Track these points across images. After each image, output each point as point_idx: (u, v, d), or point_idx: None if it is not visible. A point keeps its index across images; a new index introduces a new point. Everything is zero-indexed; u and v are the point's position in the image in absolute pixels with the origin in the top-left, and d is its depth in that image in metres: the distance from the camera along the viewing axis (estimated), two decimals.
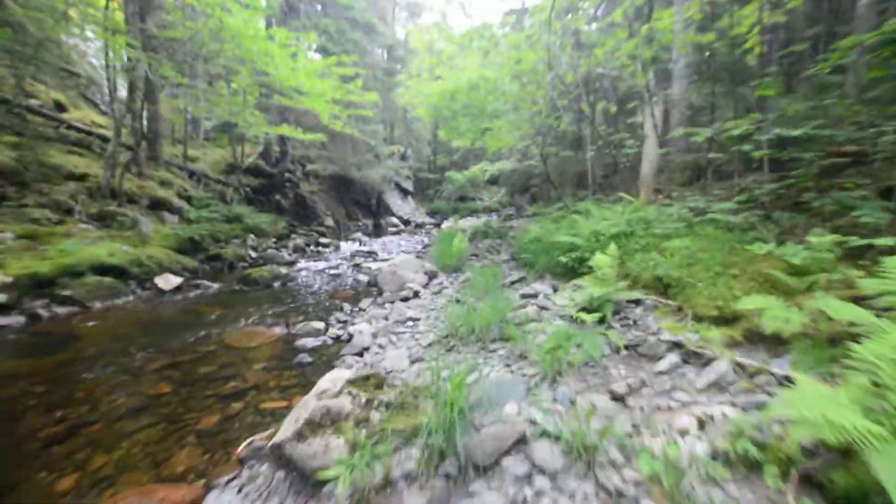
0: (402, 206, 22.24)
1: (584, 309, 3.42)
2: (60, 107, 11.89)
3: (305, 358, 3.68)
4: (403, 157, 23.16)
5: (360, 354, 3.63)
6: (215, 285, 6.97)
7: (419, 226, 19.06)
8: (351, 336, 4.16)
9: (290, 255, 10.15)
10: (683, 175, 8.42)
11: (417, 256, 9.57)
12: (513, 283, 5.44)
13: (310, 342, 4.15)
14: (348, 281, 7.39)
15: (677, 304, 3.30)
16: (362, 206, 20.27)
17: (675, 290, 3.47)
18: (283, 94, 8.63)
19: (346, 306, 5.52)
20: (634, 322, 3.35)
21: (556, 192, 10.16)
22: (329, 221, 17.55)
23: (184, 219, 9.91)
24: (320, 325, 4.62)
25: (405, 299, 5.39)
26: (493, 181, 32.43)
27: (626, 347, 2.93)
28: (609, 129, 8.78)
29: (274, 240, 11.42)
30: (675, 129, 8.85)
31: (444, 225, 17.74)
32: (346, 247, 12.00)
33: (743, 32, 6.08)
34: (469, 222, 17.77)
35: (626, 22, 6.94)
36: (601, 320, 3.37)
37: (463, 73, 9.95)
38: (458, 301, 4.87)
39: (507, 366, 2.93)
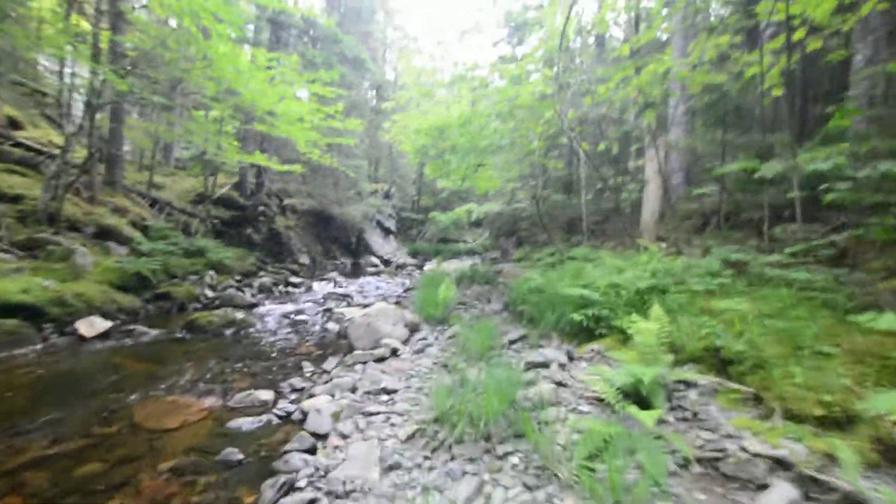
0: (384, 246, 21.36)
1: (625, 394, 2.51)
2: (14, 123, 10.86)
3: (234, 454, 2.61)
4: (387, 196, 22.57)
5: (312, 451, 2.59)
6: (154, 332, 5.81)
7: (400, 266, 18.12)
8: (305, 415, 3.13)
9: (253, 295, 9.02)
10: (687, 223, 7.86)
11: (397, 303, 8.60)
12: (512, 342, 4.52)
13: (248, 423, 3.09)
14: (315, 330, 6.33)
15: (752, 390, 2.44)
16: (341, 244, 19.28)
17: (739, 368, 2.62)
18: (255, 119, 7.83)
19: (308, 366, 4.47)
20: (694, 414, 2.46)
21: (547, 236, 9.48)
22: (304, 259, 16.46)
23: (134, 251, 8.75)
24: (268, 394, 3.56)
25: (380, 359, 4.38)
26: (478, 224, 32.08)
27: (700, 461, 2.02)
28: (607, 172, 8.31)
29: (239, 277, 10.29)
30: (675, 174, 8.39)
31: (427, 267, 16.86)
32: (320, 287, 10.92)
33: (757, 73, 5.68)
34: (453, 265, 16.94)
35: (633, 57, 6.59)
36: (648, 407, 2.47)
37: (455, 105, 9.46)
38: (446, 367, 3.91)
39: (528, 488, 1.97)
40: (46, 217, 7.70)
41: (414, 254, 24.00)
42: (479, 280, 10.09)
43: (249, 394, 3.49)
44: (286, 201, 17.06)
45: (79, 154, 10.60)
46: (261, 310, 7.80)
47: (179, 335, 5.77)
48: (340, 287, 11.25)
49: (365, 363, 4.28)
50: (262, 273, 11.69)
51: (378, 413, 3.00)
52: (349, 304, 8.58)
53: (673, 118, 8.52)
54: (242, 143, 14.02)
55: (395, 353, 4.58)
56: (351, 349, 4.86)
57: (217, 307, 7.71)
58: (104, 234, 8.63)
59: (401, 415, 2.98)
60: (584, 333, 3.98)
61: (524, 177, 12.95)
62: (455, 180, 12.30)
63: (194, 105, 15.55)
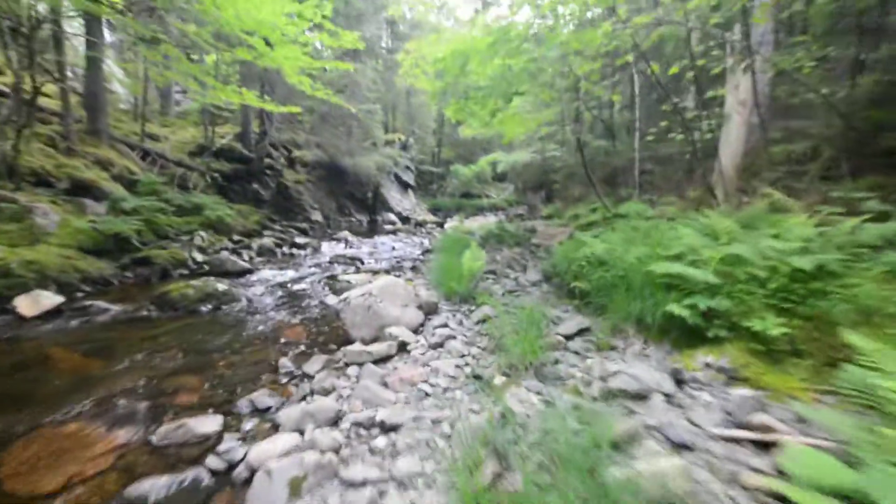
0: (402, 202, 20.00)
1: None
2: None
3: None
4: (405, 147, 20.91)
5: None
6: (115, 308, 4.76)
7: (419, 224, 16.83)
8: (253, 472, 1.95)
9: (251, 259, 7.94)
10: (781, 169, 6.16)
11: (413, 267, 7.36)
12: (568, 337, 3.20)
13: (163, 485, 1.94)
14: (311, 306, 5.18)
15: None
16: (356, 200, 18.02)
17: None
18: (233, 43, 6.32)
19: (287, 364, 3.31)
20: None
21: (594, 189, 7.91)
22: (317, 216, 15.34)
23: (115, 208, 7.68)
24: (213, 423, 2.42)
25: (383, 359, 3.17)
26: (502, 178, 30.19)
27: None
28: (677, 105, 6.58)
29: (238, 238, 9.21)
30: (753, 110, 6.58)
31: (448, 225, 15.50)
32: (328, 248, 9.78)
33: None
34: (477, 222, 15.53)
35: None
36: None
37: (481, 27, 7.68)
38: (478, 379, 2.66)
39: None
40: (5, 169, 6.62)
41: (434, 210, 22.61)
42: (508, 241, 8.71)
43: (182, 425, 2.33)
44: (294, 153, 15.72)
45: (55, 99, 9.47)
46: (255, 277, 6.70)
47: (145, 313, 4.71)
48: (351, 248, 10.09)
49: (361, 365, 3.08)
50: (265, 233, 10.59)
51: (364, 484, 1.79)
52: (358, 270, 7.40)
53: (757, 37, 6.58)
54: (242, 86, 12.54)
55: (403, 347, 3.36)
56: (347, 340, 3.67)
57: (205, 274, 6.65)
58: (79, 190, 7.56)
59: (403, 485, 1.76)
60: (683, 333, 2.64)
61: (557, 122, 11.13)
62: (480, 123, 10.63)
63: (187, 45, 13.99)
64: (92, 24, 9.17)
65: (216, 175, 12.06)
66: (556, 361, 2.73)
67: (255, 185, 13.68)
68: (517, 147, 18.35)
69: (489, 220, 18.48)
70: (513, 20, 5.98)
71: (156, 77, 11.64)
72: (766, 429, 1.79)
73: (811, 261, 2.23)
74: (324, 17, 5.72)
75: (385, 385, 2.76)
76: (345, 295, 3.85)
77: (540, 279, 5.41)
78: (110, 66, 14.93)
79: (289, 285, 6.21)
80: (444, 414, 2.31)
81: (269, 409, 2.64)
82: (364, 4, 14.85)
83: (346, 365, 3.14)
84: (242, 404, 2.67)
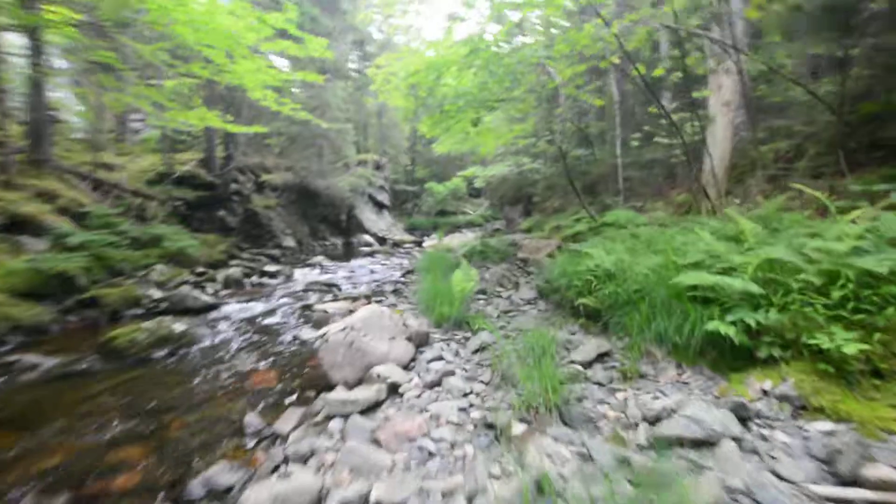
0: (377, 222, 19.48)
1: None
2: None
3: None
4: (378, 167, 20.51)
5: None
6: (51, 361, 4.06)
7: (397, 244, 16.33)
8: None
9: (216, 292, 7.25)
10: (766, 170, 6.04)
11: (394, 291, 6.85)
12: (587, 364, 2.77)
13: None
14: (284, 343, 4.59)
15: None
16: (330, 223, 17.39)
17: None
18: (191, 61, 5.77)
19: (254, 423, 2.74)
20: None
21: (579, 198, 7.65)
22: (289, 241, 14.64)
23: (59, 244, 6.90)
24: None
25: (371, 408, 2.65)
26: (476, 193, 30.15)
27: None
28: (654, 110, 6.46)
29: (202, 270, 8.47)
30: (734, 111, 6.51)
31: (427, 243, 15.08)
32: (302, 275, 9.15)
33: None
34: (456, 239, 15.16)
35: None
36: None
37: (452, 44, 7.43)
38: (491, 429, 2.19)
39: None
40: None
41: (411, 229, 22.19)
42: (492, 256, 8.33)
43: None
44: (263, 177, 15.05)
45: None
46: (219, 313, 6.04)
47: (84, 365, 4.02)
48: (327, 273, 9.49)
49: (346, 417, 2.55)
50: (233, 262, 9.86)
51: None
52: (335, 297, 6.83)
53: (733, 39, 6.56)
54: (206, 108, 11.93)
55: (394, 389, 2.85)
56: (327, 384, 3.12)
57: (162, 312, 5.95)
58: (16, 227, 6.77)
59: None
60: (725, 354, 2.25)
61: (534, 133, 10.98)
62: (455, 139, 10.35)
63: (141, 66, 13.32)
64: (35, 44, 8.46)
65: (178, 203, 11.29)
66: (581, 398, 2.28)
67: (222, 212, 12.94)
68: (491, 162, 18.25)
69: (468, 237, 18.17)
70: (484, 34, 5.71)
71: (111, 103, 10.94)
72: (890, 486, 1.39)
73: (883, 261, 1.89)
74: (288, 19, 5.27)
75: (377, 443, 2.24)
76: (322, 330, 3.33)
77: (535, 296, 5.01)
78: (62, 93, 14.07)
79: (258, 320, 5.58)
80: (455, 481, 1.81)
81: (230, 489, 2.07)
82: (332, 23, 14.58)
83: (328, 418, 2.60)
84: (195, 486, 2.10)
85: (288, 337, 4.78)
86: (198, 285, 7.34)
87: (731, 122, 5.96)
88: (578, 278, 3.67)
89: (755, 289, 2.12)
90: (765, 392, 1.96)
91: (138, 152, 14.30)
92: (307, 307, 6.15)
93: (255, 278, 8.57)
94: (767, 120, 6.95)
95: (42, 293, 5.79)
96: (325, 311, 5.94)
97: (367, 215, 19.03)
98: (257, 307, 6.30)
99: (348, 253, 14.68)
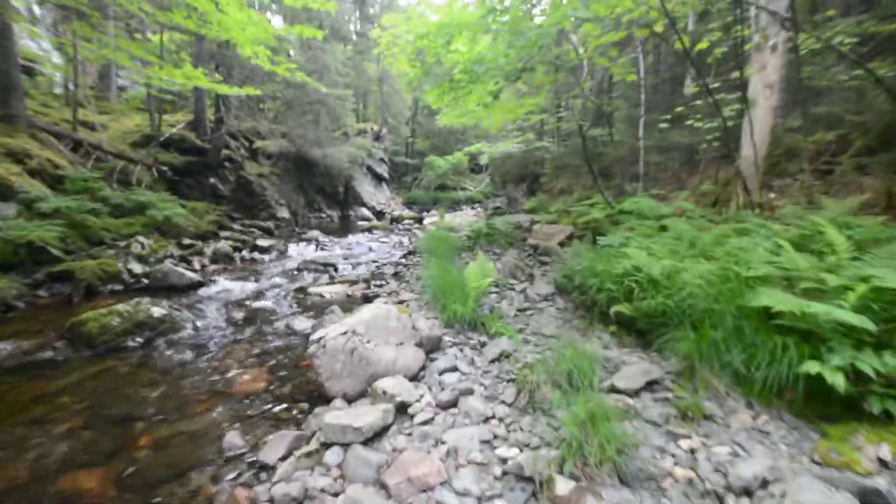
0: (376, 195, 18.83)
1: None
2: None
3: None
4: (378, 137, 19.69)
5: None
6: (6, 346, 3.59)
7: (395, 220, 15.77)
8: None
9: (203, 267, 6.76)
10: (803, 163, 5.54)
11: (395, 274, 6.39)
12: (632, 393, 2.34)
13: None
14: (274, 334, 4.15)
15: None
16: (326, 195, 16.73)
17: None
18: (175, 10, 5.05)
19: (235, 444, 2.32)
20: None
21: (596, 182, 7.13)
22: (283, 213, 14.05)
23: (30, 209, 6.33)
24: None
25: (375, 436, 2.23)
26: (477, 169, 29.37)
27: None
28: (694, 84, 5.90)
29: (189, 242, 7.93)
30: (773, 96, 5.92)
31: (428, 220, 14.54)
32: (297, 251, 8.65)
33: None
34: (459, 217, 14.64)
35: None
36: None
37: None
38: (525, 482, 1.77)
39: None
40: None
41: (409, 203, 21.56)
42: (499, 241, 7.85)
43: None
44: (257, 143, 14.28)
45: None
46: (206, 291, 5.57)
47: (48, 353, 3.56)
48: (323, 249, 8.99)
49: (346, 447, 2.13)
50: (223, 234, 9.32)
51: None
52: (332, 279, 6.37)
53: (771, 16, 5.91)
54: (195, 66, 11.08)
55: (403, 409, 2.42)
56: (322, 395, 2.69)
57: (143, 290, 5.48)
58: None
59: None
60: (816, 399, 1.83)
61: (546, 109, 10.32)
62: (460, 111, 9.68)
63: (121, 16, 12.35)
64: None
65: (165, 168, 10.61)
66: (635, 444, 1.86)
67: (213, 180, 12.27)
68: (492, 139, 17.50)
69: (469, 215, 17.62)
70: None
71: (88, 56, 10.08)
72: None
73: None
74: None
75: (384, 489, 1.83)
76: (319, 334, 2.85)
77: (552, 292, 4.56)
78: (39, 44, 13.06)
79: (248, 303, 5.12)
80: None
81: None
82: None
83: (324, 445, 2.17)
84: None
85: (280, 326, 4.33)
86: (184, 259, 6.83)
87: (774, 107, 5.41)
88: (613, 281, 3.21)
89: (871, 326, 1.68)
90: (883, 463, 1.55)
91: (123, 111, 13.46)
92: (301, 290, 5.68)
93: (246, 253, 8.06)
94: (805, 106, 6.40)
95: (8, 264, 5.27)
96: (322, 296, 5.50)
97: (366, 188, 18.37)
98: (247, 287, 5.83)
99: (345, 227, 14.14)
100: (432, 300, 4.23)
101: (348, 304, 5.08)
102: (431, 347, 3.05)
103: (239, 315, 4.67)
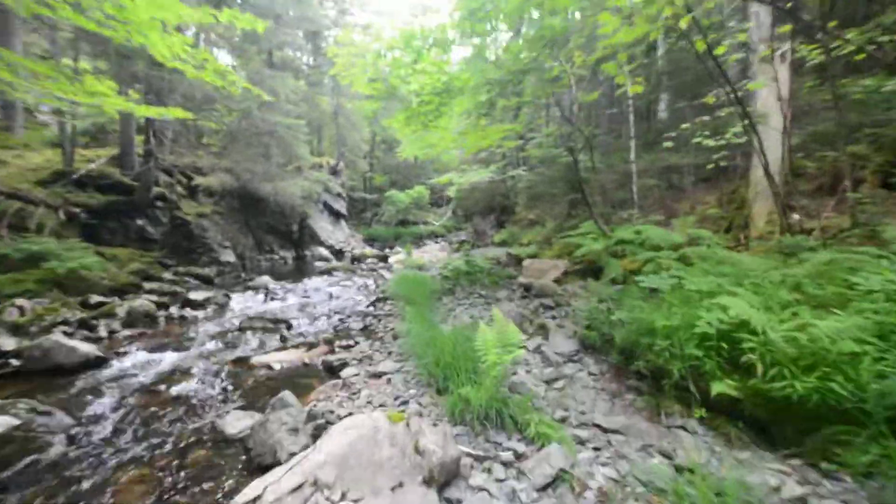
0: (334, 233, 17.47)
1: None
2: None
3: None
4: (335, 172, 18.56)
5: None
6: None
7: (357, 258, 14.46)
8: None
9: (107, 336, 5.20)
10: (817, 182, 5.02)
11: (364, 329, 5.17)
12: None
13: None
14: (199, 442, 2.81)
15: None
16: (279, 234, 15.22)
17: None
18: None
19: None
20: None
21: (590, 210, 6.36)
22: (228, 256, 12.40)
23: None
24: None
25: None
26: (439, 203, 28.75)
27: None
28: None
29: (97, 300, 6.30)
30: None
31: (393, 258, 13.35)
32: (240, 304, 7.19)
33: None
34: (428, 254, 13.59)
35: None
36: None
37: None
38: None
39: None
40: None
41: (370, 240, 20.32)
42: (481, 279, 6.84)
43: None
44: (197, 180, 12.73)
45: None
46: (106, 373, 4.08)
47: None
48: (274, 299, 7.58)
49: None
50: (149, 286, 7.69)
51: None
52: (283, 341, 5.03)
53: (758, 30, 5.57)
54: (124, 85, 9.64)
55: None
56: None
57: (14, 374, 3.92)
58: None
59: None
60: None
61: (522, 136, 9.72)
62: (430, 142, 8.81)
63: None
64: None
65: (77, 210, 8.89)
66: None
67: (140, 221, 10.56)
68: (456, 171, 16.87)
69: (435, 249, 16.61)
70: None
71: None
72: None
73: None
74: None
75: None
76: (252, 490, 1.62)
77: (576, 350, 3.54)
78: None
79: (162, 387, 3.70)
80: None
81: None
82: (282, 8, 12.67)
83: None
84: None
85: (204, 427, 2.98)
86: (85, 325, 5.25)
87: (788, 121, 4.90)
88: (697, 344, 2.24)
89: None
90: None
91: (31, 146, 11.57)
92: (241, 361, 4.32)
93: (175, 309, 6.51)
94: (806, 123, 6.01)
95: None
96: (269, 368, 4.17)
97: (323, 225, 16.99)
98: (168, 360, 4.38)
99: (301, 269, 12.68)
100: (422, 369, 3.08)
101: (305, 380, 3.81)
102: (447, 478, 1.87)
103: (146, 410, 3.27)
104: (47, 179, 9.52)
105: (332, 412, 2.84)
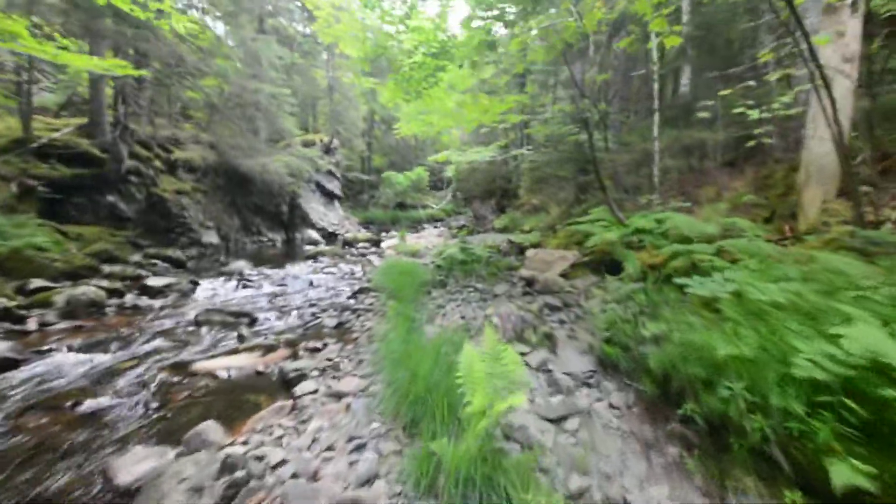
0: (326, 215, 16.63)
1: None
2: None
3: None
4: (328, 150, 17.61)
5: None
6: None
7: (349, 243, 13.65)
8: None
9: (37, 329, 4.44)
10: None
11: (338, 326, 4.41)
12: None
13: None
14: (81, 498, 2.04)
15: None
16: (268, 215, 14.39)
17: None
18: None
19: None
20: None
21: (605, 194, 5.52)
22: (210, 237, 11.62)
23: None
24: None
25: None
26: (439, 186, 27.78)
27: None
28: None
29: (37, 286, 5.52)
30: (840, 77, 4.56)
31: (386, 244, 12.53)
32: (208, 291, 6.42)
33: None
34: (423, 239, 12.78)
35: None
36: None
37: None
38: None
39: None
40: None
41: (367, 223, 19.47)
42: (477, 270, 6.05)
43: None
44: (177, 154, 11.83)
45: None
46: (15, 377, 3.32)
47: None
48: (248, 286, 6.80)
49: None
50: (109, 269, 6.92)
51: None
52: (241, 340, 4.25)
53: None
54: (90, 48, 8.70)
55: None
56: None
57: None
58: None
59: None
60: None
61: (529, 109, 8.81)
62: (425, 111, 7.90)
63: None
64: None
65: (34, 183, 8.05)
66: None
67: (111, 198, 9.72)
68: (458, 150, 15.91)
69: (433, 234, 15.77)
70: None
71: None
72: None
73: None
74: None
75: None
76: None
77: (592, 370, 2.76)
78: None
79: (67, 403, 2.94)
80: None
81: None
82: None
83: None
84: None
85: (89, 476, 2.21)
86: (11, 316, 4.48)
87: (854, 86, 4.02)
88: (796, 392, 1.45)
89: None
90: None
91: None
92: (181, 367, 3.55)
93: (130, 297, 5.75)
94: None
95: None
96: (213, 377, 3.41)
97: (314, 206, 16.14)
98: (92, 364, 3.63)
99: (289, 253, 11.92)
100: (393, 397, 2.30)
101: (252, 396, 3.05)
102: None
103: (30, 440, 2.51)
104: (5, 147, 8.66)
105: (261, 458, 2.07)
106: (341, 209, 18.77)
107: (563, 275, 5.22)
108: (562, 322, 3.63)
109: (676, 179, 7.91)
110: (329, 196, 17.46)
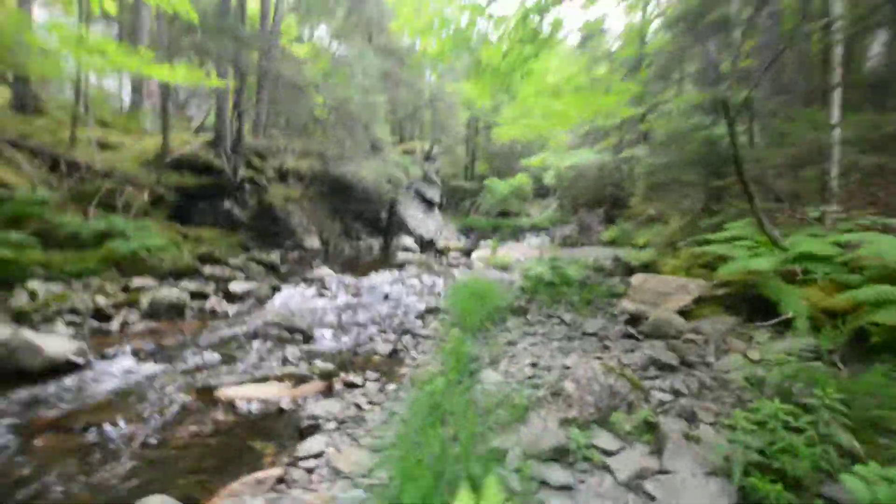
0: (425, 222, 16.52)
1: None
2: None
3: None
4: (429, 158, 17.59)
5: None
6: None
7: (441, 252, 13.24)
8: None
9: (120, 328, 4.61)
10: None
11: (392, 355, 3.75)
12: None
13: None
14: None
15: None
16: (367, 221, 14.74)
17: None
18: None
19: None
20: None
21: (752, 204, 3.99)
22: (312, 241, 12.17)
23: None
24: None
25: None
26: (544, 193, 26.23)
27: None
28: None
29: (137, 285, 5.93)
30: None
31: (476, 254, 11.76)
32: (285, 298, 6.36)
33: None
34: (516, 250, 11.76)
35: None
36: None
37: None
38: None
39: None
40: None
41: (466, 230, 18.98)
42: (569, 296, 4.92)
43: None
44: (288, 164, 12.66)
45: None
46: (50, 388, 3.29)
47: None
48: (323, 295, 6.61)
49: None
50: (208, 272, 7.34)
51: None
52: (283, 363, 3.84)
53: None
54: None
55: None
56: None
57: None
58: None
59: None
60: None
61: (642, 100, 7.33)
62: (532, 122, 6.96)
63: None
64: None
65: (161, 191, 9.06)
66: None
67: (227, 204, 10.65)
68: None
69: (531, 246, 14.55)
70: None
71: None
72: None
73: None
74: None
75: None
76: None
77: (718, 490, 1.60)
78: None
79: (76, 425, 2.72)
80: None
81: None
82: None
83: None
84: None
85: None
86: (101, 315, 4.74)
87: None
88: None
89: None
90: None
91: (156, 133, 12.55)
92: (206, 391, 3.21)
93: (212, 301, 5.88)
94: None
95: None
96: (233, 408, 3.00)
97: (413, 213, 16.15)
98: (137, 376, 3.49)
99: (381, 259, 11.90)
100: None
101: (258, 443, 2.52)
102: None
103: (25, 459, 2.26)
104: (152, 161, 9.99)
105: None
106: (440, 216, 18.60)
107: (683, 312, 3.87)
108: (676, 394, 2.42)
109: (861, 184, 5.76)
110: (428, 203, 17.39)
